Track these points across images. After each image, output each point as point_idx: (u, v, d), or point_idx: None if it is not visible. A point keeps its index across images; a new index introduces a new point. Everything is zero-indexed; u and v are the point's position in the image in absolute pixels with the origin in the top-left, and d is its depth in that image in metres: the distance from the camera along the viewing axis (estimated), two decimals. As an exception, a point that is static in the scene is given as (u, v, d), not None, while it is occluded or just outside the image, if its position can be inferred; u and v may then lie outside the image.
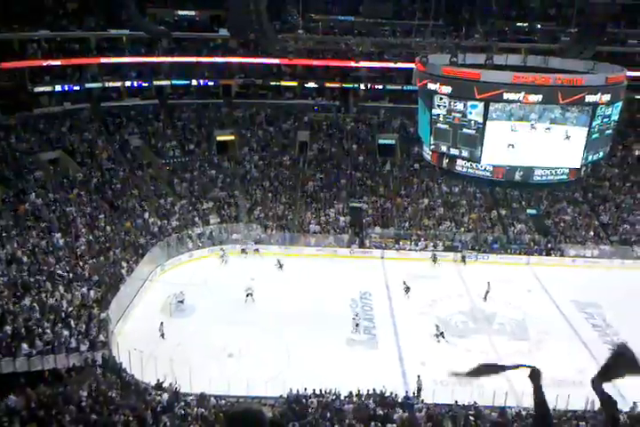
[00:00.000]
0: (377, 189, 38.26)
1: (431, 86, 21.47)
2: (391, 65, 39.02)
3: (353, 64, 39.44)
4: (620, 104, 21.43)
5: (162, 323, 23.88)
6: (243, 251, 32.77)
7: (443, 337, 24.50)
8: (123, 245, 29.15)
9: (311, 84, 44.42)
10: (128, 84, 41.12)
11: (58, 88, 38.21)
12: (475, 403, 19.17)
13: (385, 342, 24.72)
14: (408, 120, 42.02)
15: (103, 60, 39.59)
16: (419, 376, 20.93)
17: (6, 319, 20.73)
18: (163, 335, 23.63)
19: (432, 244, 33.82)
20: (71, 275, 25.10)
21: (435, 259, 32.53)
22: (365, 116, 44.28)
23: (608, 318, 27.29)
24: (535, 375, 3.00)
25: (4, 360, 19.41)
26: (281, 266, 30.88)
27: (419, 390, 20.56)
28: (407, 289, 28.32)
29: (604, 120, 20.99)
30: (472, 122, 20.84)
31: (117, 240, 29.39)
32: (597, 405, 18.53)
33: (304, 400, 18.91)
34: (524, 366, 3.01)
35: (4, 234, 26.21)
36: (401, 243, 33.96)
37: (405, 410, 18.66)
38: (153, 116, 41.53)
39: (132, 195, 34.06)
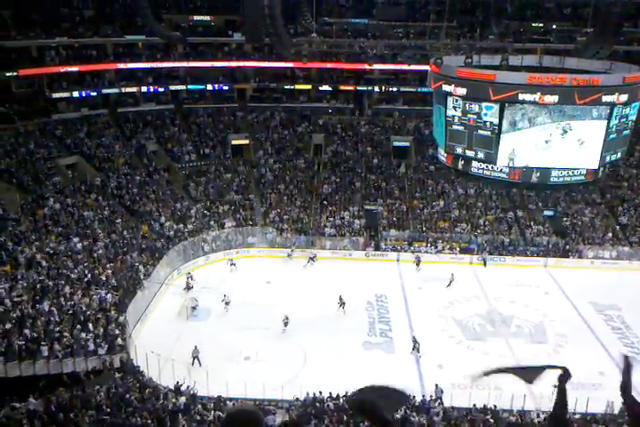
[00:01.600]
0: (392, 191, 38.16)
1: (446, 88, 21.42)
2: (405, 67, 38.89)
3: (367, 67, 39.37)
4: (637, 104, 21.21)
5: (196, 346, 22.55)
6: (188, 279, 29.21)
7: (417, 351, 23.55)
8: (140, 249, 29.40)
9: (325, 87, 44.52)
10: (144, 89, 41.55)
11: (75, 94, 38.72)
12: (493, 406, 19.01)
13: (401, 344, 24.56)
14: (423, 122, 41.94)
15: (120, 65, 40.05)
16: (437, 385, 20.52)
17: (25, 323, 21.00)
18: (199, 361, 22.39)
19: (448, 246, 33.64)
20: (89, 278, 25.37)
21: (418, 262, 31.89)
22: (380, 119, 44.24)
23: (627, 320, 26.96)
24: (564, 377, 2.97)
25: (24, 364, 19.67)
26: (232, 264, 31.02)
27: (437, 398, 20.14)
28: (342, 304, 26.57)
29: (622, 120, 20.79)
30: (487, 123, 20.75)
31: (134, 244, 29.65)
32: (617, 408, 18.38)
33: (320, 404, 18.89)
34: (554, 366, 2.96)
35: (23, 238, 26.58)
36: (416, 245, 33.81)
37: (423, 414, 18.55)
38: (169, 120, 41.88)
39: (149, 199, 34.35)
